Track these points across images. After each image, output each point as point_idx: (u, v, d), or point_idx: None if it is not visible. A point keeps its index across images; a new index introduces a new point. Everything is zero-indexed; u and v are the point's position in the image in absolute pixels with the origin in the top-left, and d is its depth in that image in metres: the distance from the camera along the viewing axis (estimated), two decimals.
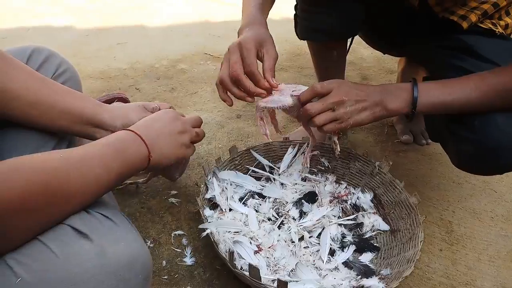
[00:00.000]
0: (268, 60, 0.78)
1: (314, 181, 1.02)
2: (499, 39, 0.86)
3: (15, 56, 0.71)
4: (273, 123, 0.91)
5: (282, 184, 1.01)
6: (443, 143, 0.91)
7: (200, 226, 0.83)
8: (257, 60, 0.78)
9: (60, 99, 0.72)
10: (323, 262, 0.83)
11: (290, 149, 1.06)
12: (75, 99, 0.74)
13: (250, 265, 0.70)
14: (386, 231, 0.92)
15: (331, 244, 0.87)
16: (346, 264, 0.84)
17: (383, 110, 0.77)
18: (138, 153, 0.67)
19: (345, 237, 0.90)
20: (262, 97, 0.78)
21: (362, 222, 0.94)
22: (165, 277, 0.84)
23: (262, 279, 0.70)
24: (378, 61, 1.83)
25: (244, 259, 0.79)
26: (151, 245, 0.91)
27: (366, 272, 0.82)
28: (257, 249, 0.83)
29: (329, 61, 1.19)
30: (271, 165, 1.04)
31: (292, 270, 0.80)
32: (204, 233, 0.80)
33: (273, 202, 0.97)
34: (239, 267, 0.77)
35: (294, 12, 1.09)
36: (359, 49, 1.90)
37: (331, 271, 0.82)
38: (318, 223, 0.91)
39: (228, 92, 0.80)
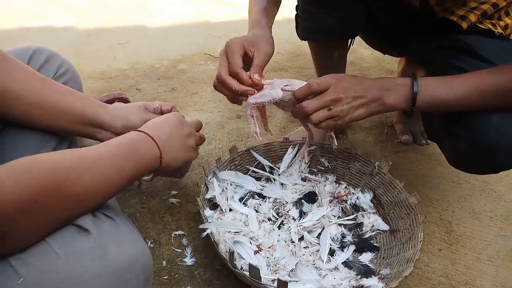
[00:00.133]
0: (257, 57, 0.78)
1: (314, 181, 1.03)
2: (498, 39, 0.86)
3: (16, 56, 0.71)
4: (263, 121, 0.89)
5: (282, 184, 1.01)
6: (439, 142, 0.91)
7: (201, 226, 0.84)
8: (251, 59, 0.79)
9: (61, 99, 0.73)
10: (323, 262, 0.84)
11: (290, 149, 1.06)
12: (76, 100, 0.75)
13: (250, 265, 0.70)
14: (386, 231, 0.93)
15: (331, 244, 0.88)
16: (346, 264, 0.84)
17: (381, 105, 0.77)
18: (150, 154, 0.68)
19: (345, 237, 0.91)
20: (251, 94, 0.77)
21: (362, 222, 0.94)
22: (166, 277, 0.85)
23: (262, 279, 0.71)
24: (378, 61, 1.83)
25: (244, 259, 0.80)
26: (151, 245, 0.91)
27: (365, 272, 0.82)
28: (257, 249, 0.84)
29: (329, 61, 1.19)
30: (271, 165, 1.05)
31: (292, 270, 0.80)
32: (204, 233, 0.80)
33: (273, 202, 0.97)
34: (239, 267, 0.77)
35: (295, 13, 1.09)
36: (359, 50, 1.90)
37: (331, 271, 0.82)
38: (318, 223, 0.92)
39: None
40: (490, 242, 0.98)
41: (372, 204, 0.98)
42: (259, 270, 0.70)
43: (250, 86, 0.76)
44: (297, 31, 1.11)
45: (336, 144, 0.86)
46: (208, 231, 0.80)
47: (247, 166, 1.04)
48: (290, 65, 1.77)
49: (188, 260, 0.88)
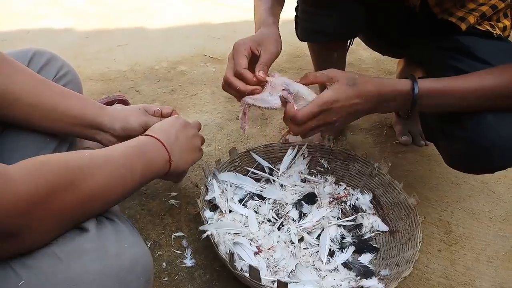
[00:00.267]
0: (263, 55, 0.78)
1: (314, 182, 1.03)
2: (497, 40, 0.87)
3: (16, 58, 0.72)
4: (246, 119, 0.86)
5: (281, 185, 1.01)
6: (436, 142, 0.92)
7: (201, 228, 0.84)
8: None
9: (61, 101, 0.73)
10: (322, 263, 0.84)
11: (289, 151, 1.06)
12: (76, 102, 0.75)
13: (250, 266, 0.71)
14: (385, 231, 0.93)
15: (330, 245, 0.88)
16: (346, 265, 0.84)
17: (376, 113, 0.79)
18: (160, 157, 0.69)
19: (345, 238, 0.91)
20: (256, 93, 0.76)
21: (361, 223, 0.94)
22: (166, 278, 0.85)
23: (262, 280, 0.71)
24: (377, 62, 1.84)
25: (244, 260, 0.80)
26: (151, 247, 0.92)
27: (365, 272, 0.82)
28: (257, 250, 0.84)
29: (329, 62, 1.19)
30: (270, 166, 1.05)
31: (292, 271, 0.81)
32: (205, 235, 0.80)
33: (273, 203, 0.97)
34: (239, 269, 0.77)
35: (294, 14, 1.09)
36: (358, 51, 1.91)
37: (331, 272, 0.83)
38: (318, 224, 0.92)
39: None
40: (489, 243, 0.99)
41: (372, 205, 0.98)
42: (259, 271, 0.70)
43: (255, 84, 0.76)
44: (296, 32, 1.11)
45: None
46: (208, 233, 0.80)
47: (247, 168, 1.04)
48: (289, 66, 1.77)
49: (188, 262, 0.88)
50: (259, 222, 0.92)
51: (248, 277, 0.71)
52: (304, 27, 1.07)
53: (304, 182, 1.04)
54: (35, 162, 0.49)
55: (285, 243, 0.88)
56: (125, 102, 1.23)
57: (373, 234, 0.93)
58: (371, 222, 0.94)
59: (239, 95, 0.78)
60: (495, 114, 0.75)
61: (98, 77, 1.63)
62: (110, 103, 1.17)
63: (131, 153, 0.63)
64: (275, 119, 1.40)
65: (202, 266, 0.88)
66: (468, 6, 0.87)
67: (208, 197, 0.91)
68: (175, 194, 1.06)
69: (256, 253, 0.83)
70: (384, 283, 0.77)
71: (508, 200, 1.12)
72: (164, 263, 0.88)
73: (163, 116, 0.87)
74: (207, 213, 0.88)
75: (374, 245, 0.90)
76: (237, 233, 0.87)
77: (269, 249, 0.85)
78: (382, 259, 0.87)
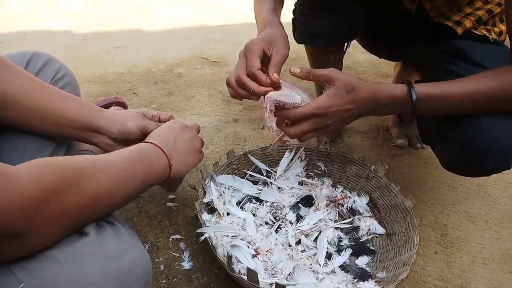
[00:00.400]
0: (274, 56, 0.78)
1: (311, 185, 1.03)
2: (493, 45, 0.87)
3: (14, 61, 0.72)
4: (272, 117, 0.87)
5: (279, 188, 1.02)
6: (432, 144, 0.92)
7: (198, 230, 0.84)
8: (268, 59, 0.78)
9: (58, 104, 0.73)
10: (320, 265, 0.84)
11: (287, 153, 1.07)
12: (74, 104, 0.75)
13: (248, 269, 0.71)
14: (382, 234, 0.93)
15: (327, 248, 0.88)
16: (343, 267, 0.85)
17: (372, 115, 0.79)
18: (159, 163, 0.70)
19: (342, 240, 0.91)
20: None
21: (358, 226, 0.95)
22: (163, 281, 0.85)
23: (260, 283, 0.71)
24: (373, 65, 1.84)
25: (242, 263, 0.80)
26: (149, 250, 0.92)
27: (362, 275, 0.82)
28: (254, 253, 0.84)
29: (326, 65, 1.19)
30: (268, 169, 1.05)
31: (289, 274, 0.81)
32: (202, 237, 0.81)
33: (270, 206, 0.98)
34: (237, 271, 0.77)
35: (292, 17, 1.10)
36: (355, 54, 1.92)
37: (328, 274, 0.83)
38: (315, 226, 0.92)
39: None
40: (485, 245, 0.99)
41: (369, 208, 0.99)
42: (257, 274, 0.70)
43: (269, 86, 0.76)
44: (293, 35, 1.12)
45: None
46: (206, 235, 0.80)
47: (244, 170, 1.05)
48: (286, 69, 1.78)
49: (186, 264, 0.88)
50: (256, 225, 0.92)
51: (246, 279, 0.72)
52: (302, 30, 1.07)
53: (302, 184, 1.04)
54: (38, 163, 0.50)
55: (282, 245, 0.88)
56: (122, 105, 1.23)
57: (370, 237, 0.93)
58: (368, 225, 0.95)
59: (246, 95, 0.77)
60: (490, 117, 0.76)
61: (95, 79, 1.63)
62: (107, 106, 1.17)
63: (132, 158, 0.64)
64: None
65: (200, 268, 0.88)
66: (465, 10, 0.88)
67: (206, 200, 0.92)
68: (173, 196, 1.06)
69: (254, 256, 0.83)
70: (381, 285, 0.78)
71: (504, 203, 1.12)
72: (162, 266, 0.88)
73: (161, 121, 0.87)
74: (205, 216, 0.88)
75: (371, 248, 0.91)
76: (235, 236, 0.87)
77: (266, 251, 0.85)
78: (379, 261, 0.88)
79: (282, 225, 0.93)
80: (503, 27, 0.89)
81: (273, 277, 0.81)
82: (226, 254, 0.78)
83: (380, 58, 1.34)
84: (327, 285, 0.79)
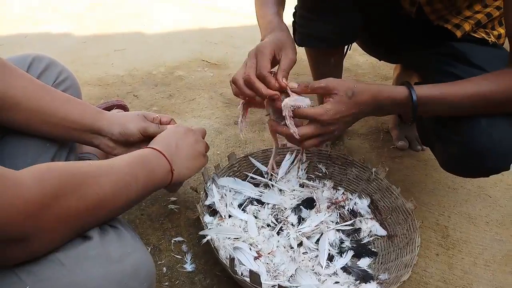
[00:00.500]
0: (283, 61, 0.78)
1: (312, 187, 1.03)
2: (492, 47, 0.88)
3: (15, 64, 0.72)
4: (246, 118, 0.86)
5: (280, 190, 1.02)
6: (432, 146, 0.93)
7: (201, 233, 0.84)
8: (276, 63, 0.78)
9: (60, 106, 0.73)
10: (322, 267, 0.85)
11: (287, 156, 1.07)
12: (75, 106, 0.76)
13: (250, 271, 0.71)
14: (384, 236, 0.94)
15: (329, 250, 0.88)
16: (345, 269, 0.85)
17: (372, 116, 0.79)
18: (161, 167, 0.70)
19: (343, 242, 0.91)
20: (276, 98, 0.75)
21: (360, 228, 0.95)
22: (166, 283, 0.85)
23: (263, 285, 0.71)
24: (373, 67, 1.85)
25: (244, 265, 0.80)
26: (151, 252, 0.92)
27: (364, 277, 0.83)
28: (256, 255, 0.84)
29: (326, 68, 1.20)
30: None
31: (291, 276, 0.81)
32: (205, 240, 0.81)
33: (272, 208, 0.98)
34: (240, 273, 0.77)
35: (292, 19, 1.10)
36: (355, 56, 1.92)
37: (330, 276, 0.83)
38: (317, 228, 0.92)
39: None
40: (486, 247, 1.00)
41: (370, 210, 0.99)
42: (259, 276, 0.70)
43: (276, 90, 0.75)
44: (294, 38, 1.12)
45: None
46: (208, 238, 0.81)
47: (246, 172, 1.05)
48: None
49: (188, 267, 0.88)
50: (258, 227, 0.92)
51: (249, 282, 0.72)
52: (302, 32, 1.08)
53: (303, 187, 1.04)
54: (42, 168, 0.50)
55: (284, 247, 0.89)
56: (123, 108, 1.23)
57: (371, 239, 0.93)
58: (370, 227, 0.95)
59: (252, 95, 0.76)
60: (488, 118, 0.76)
61: (96, 82, 1.63)
62: (109, 109, 1.18)
63: (134, 163, 0.64)
64: None
65: (202, 271, 0.88)
66: (464, 13, 0.88)
67: (207, 202, 0.92)
68: (175, 199, 1.06)
69: (256, 258, 0.83)
70: (383, 287, 0.78)
71: (504, 204, 1.13)
72: (164, 268, 0.88)
73: (161, 123, 0.87)
74: (207, 218, 0.88)
75: (372, 250, 0.91)
76: (237, 238, 0.88)
77: (268, 253, 0.86)
78: (381, 263, 0.88)
79: (284, 227, 0.93)
80: (502, 30, 0.89)
81: (275, 279, 0.81)
82: (228, 256, 0.78)
83: (380, 60, 1.35)
84: (329, 287, 0.79)
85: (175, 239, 0.95)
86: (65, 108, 0.74)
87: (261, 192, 1.01)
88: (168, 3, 2.62)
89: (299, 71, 1.78)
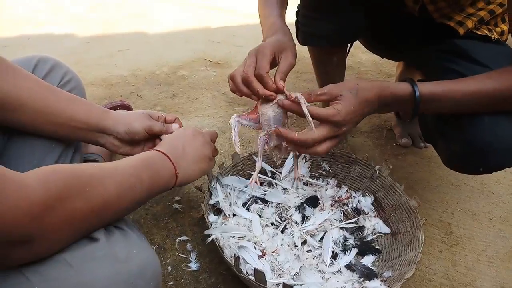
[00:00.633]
0: (282, 63, 0.78)
1: (316, 186, 1.04)
2: (495, 44, 0.88)
3: (20, 66, 0.73)
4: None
5: (284, 189, 1.02)
6: (435, 143, 0.93)
7: (206, 232, 0.85)
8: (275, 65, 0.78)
9: (66, 106, 0.74)
10: (326, 265, 0.85)
11: (291, 154, 1.07)
12: (81, 106, 0.76)
13: (255, 270, 0.72)
14: (387, 233, 0.94)
15: (333, 248, 0.89)
16: (349, 267, 0.85)
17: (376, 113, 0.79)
18: (165, 169, 0.70)
19: (347, 240, 0.92)
20: (273, 99, 0.76)
21: (363, 225, 0.96)
22: (171, 282, 0.86)
23: (267, 283, 0.72)
24: (376, 65, 1.85)
25: (249, 264, 0.81)
26: (156, 251, 0.92)
27: (368, 274, 0.83)
28: (261, 253, 0.85)
29: (329, 66, 1.21)
30: (273, 170, 1.06)
31: (296, 274, 0.82)
32: (210, 239, 0.81)
33: (276, 207, 0.99)
34: (245, 272, 0.78)
35: (295, 18, 1.10)
36: (357, 54, 1.92)
37: (334, 274, 0.84)
38: (320, 227, 0.93)
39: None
40: (490, 243, 1.00)
41: (373, 207, 0.99)
42: (264, 275, 0.71)
43: (273, 91, 0.75)
44: (296, 36, 1.13)
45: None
46: (213, 237, 0.81)
47: (250, 171, 1.05)
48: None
49: (193, 266, 0.89)
50: (262, 226, 0.93)
51: (254, 280, 0.72)
52: (304, 31, 1.08)
53: (306, 185, 1.05)
54: (47, 170, 0.50)
55: (288, 246, 0.89)
56: (128, 108, 1.24)
57: (375, 236, 0.94)
58: (373, 224, 0.95)
59: (248, 93, 0.76)
60: (491, 115, 0.76)
61: (99, 83, 1.64)
62: (113, 108, 1.18)
63: (139, 165, 0.64)
64: None
65: (207, 269, 0.89)
66: (467, 10, 0.88)
67: (212, 201, 0.92)
68: (179, 198, 1.07)
69: (260, 257, 0.84)
70: (387, 284, 0.78)
71: (508, 201, 1.13)
72: (169, 267, 0.89)
73: (166, 122, 0.88)
74: (211, 217, 0.89)
75: (376, 247, 0.91)
76: (242, 237, 0.88)
77: (273, 252, 0.86)
78: (385, 260, 0.88)
79: (288, 225, 0.94)
80: (505, 27, 0.89)
81: (280, 277, 0.81)
82: (233, 255, 0.78)
83: (382, 58, 1.34)
84: (333, 285, 0.80)
85: (179, 238, 0.96)
86: (71, 108, 0.75)
87: (265, 191, 1.01)
88: (168, 3, 2.63)
89: (301, 69, 1.78)
